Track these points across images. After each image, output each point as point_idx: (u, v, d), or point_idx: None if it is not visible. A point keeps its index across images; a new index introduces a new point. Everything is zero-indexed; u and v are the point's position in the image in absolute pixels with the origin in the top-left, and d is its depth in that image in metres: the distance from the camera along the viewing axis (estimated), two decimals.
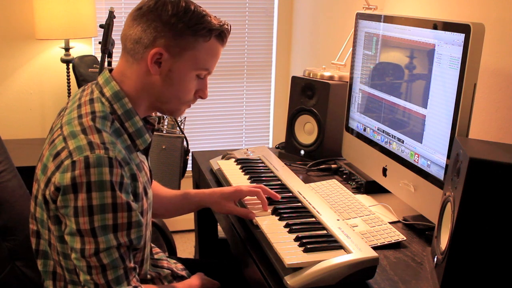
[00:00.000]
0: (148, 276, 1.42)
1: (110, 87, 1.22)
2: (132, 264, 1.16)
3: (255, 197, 1.47)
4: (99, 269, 1.10)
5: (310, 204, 1.45)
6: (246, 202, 1.49)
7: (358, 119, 1.86)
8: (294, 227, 1.32)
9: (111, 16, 2.25)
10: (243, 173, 1.72)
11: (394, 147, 1.63)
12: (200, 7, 1.22)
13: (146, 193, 1.25)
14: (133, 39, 1.20)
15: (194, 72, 1.24)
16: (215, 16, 1.23)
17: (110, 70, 1.27)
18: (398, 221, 1.55)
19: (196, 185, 2.09)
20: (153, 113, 1.35)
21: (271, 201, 1.48)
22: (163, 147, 2.46)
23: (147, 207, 1.26)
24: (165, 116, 2.46)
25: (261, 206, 1.46)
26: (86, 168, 1.07)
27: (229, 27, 1.26)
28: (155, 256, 1.54)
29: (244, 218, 1.47)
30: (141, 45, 1.19)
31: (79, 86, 2.78)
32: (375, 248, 1.35)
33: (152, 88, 1.23)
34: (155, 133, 2.06)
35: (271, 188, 1.51)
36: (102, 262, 1.10)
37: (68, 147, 1.11)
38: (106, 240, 1.10)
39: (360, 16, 1.85)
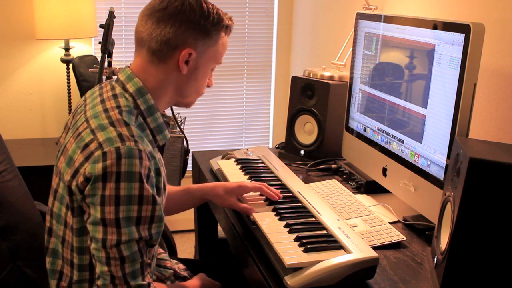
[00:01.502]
0: (153, 277, 1.42)
1: (133, 83, 1.24)
2: (148, 260, 1.17)
3: (257, 193, 1.50)
4: (118, 261, 1.11)
5: (310, 204, 1.45)
6: (246, 198, 1.51)
7: (358, 119, 1.86)
8: (294, 227, 1.32)
9: (111, 16, 2.25)
10: (243, 173, 1.72)
11: (394, 147, 1.63)
12: (212, 4, 1.27)
13: (164, 189, 1.28)
14: (161, 41, 1.22)
15: (212, 66, 1.31)
16: (222, 11, 1.29)
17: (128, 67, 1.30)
18: (398, 221, 1.55)
19: None
20: (164, 112, 1.37)
21: (271, 201, 1.49)
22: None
23: (164, 202, 1.29)
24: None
25: (260, 203, 1.47)
26: (118, 159, 1.09)
27: (233, 20, 1.33)
28: (158, 256, 1.54)
29: (243, 217, 1.47)
30: (170, 46, 1.22)
31: (79, 86, 2.78)
32: (375, 248, 1.35)
33: (176, 85, 1.27)
34: None
35: None
36: (122, 254, 1.11)
37: (98, 139, 1.13)
38: (128, 232, 1.11)
39: (360, 16, 1.85)
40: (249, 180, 1.64)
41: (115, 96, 1.23)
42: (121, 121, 1.16)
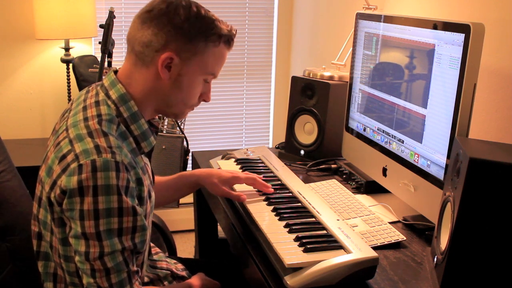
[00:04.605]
0: (146, 279, 1.42)
1: (116, 89, 1.21)
2: (135, 268, 1.16)
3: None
4: (103, 272, 1.10)
5: (310, 204, 1.45)
6: (238, 189, 1.55)
7: (358, 119, 1.86)
8: (294, 227, 1.32)
9: (111, 16, 2.25)
10: None
11: (394, 147, 1.63)
12: (209, 11, 1.22)
13: (150, 196, 1.26)
14: (143, 42, 1.19)
15: (202, 76, 1.25)
16: (221, 20, 1.24)
17: (115, 72, 1.26)
18: (398, 221, 1.55)
19: None
20: (156, 116, 1.35)
21: (269, 200, 1.49)
22: (163, 147, 2.46)
23: (150, 210, 1.27)
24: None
25: (253, 193, 1.52)
26: (93, 172, 1.07)
27: (235, 32, 1.27)
28: (155, 257, 1.54)
29: (244, 217, 1.47)
30: (151, 48, 1.18)
31: (79, 86, 2.78)
32: (375, 248, 1.35)
33: (159, 92, 1.23)
34: None
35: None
36: (106, 266, 1.10)
37: (75, 150, 1.11)
38: (111, 244, 1.10)
39: (360, 16, 1.85)
40: (243, 171, 1.65)
41: (97, 103, 1.20)
42: (99, 131, 1.14)
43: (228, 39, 1.24)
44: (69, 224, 1.12)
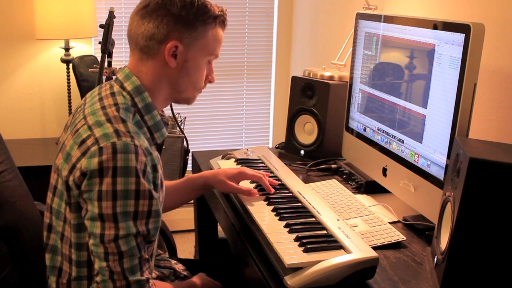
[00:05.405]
0: (153, 275, 1.43)
1: (131, 81, 1.26)
2: (146, 256, 1.17)
3: (252, 185, 1.55)
4: (117, 256, 1.11)
5: (310, 204, 1.45)
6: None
7: (358, 119, 1.86)
8: (294, 227, 1.32)
9: (111, 16, 2.25)
10: None
11: (394, 147, 1.63)
12: None
13: (162, 186, 1.28)
14: (146, 36, 1.24)
15: (206, 58, 1.30)
16: (212, 3, 1.29)
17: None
18: (398, 221, 1.55)
19: None
20: (164, 112, 1.37)
21: (269, 200, 1.49)
22: (163, 147, 2.46)
23: (162, 200, 1.29)
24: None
25: (256, 197, 1.51)
26: (113, 154, 1.10)
27: (226, 11, 1.33)
28: (158, 257, 1.55)
29: (244, 217, 1.47)
30: (155, 41, 1.24)
31: (79, 86, 2.78)
32: (375, 248, 1.35)
33: (169, 80, 1.28)
34: None
35: None
36: (120, 249, 1.11)
37: (94, 135, 1.14)
38: (126, 227, 1.11)
39: (360, 16, 1.85)
40: (249, 181, 1.64)
41: (113, 94, 1.24)
42: (118, 118, 1.18)
43: (222, 20, 1.30)
44: (86, 207, 1.14)
